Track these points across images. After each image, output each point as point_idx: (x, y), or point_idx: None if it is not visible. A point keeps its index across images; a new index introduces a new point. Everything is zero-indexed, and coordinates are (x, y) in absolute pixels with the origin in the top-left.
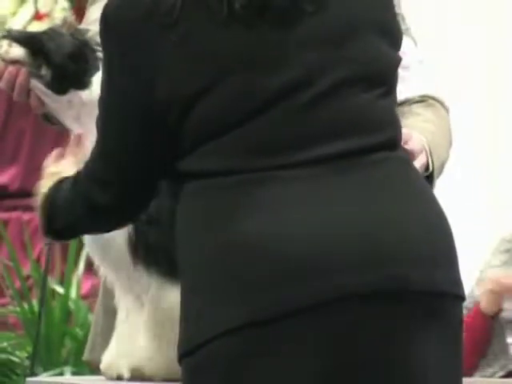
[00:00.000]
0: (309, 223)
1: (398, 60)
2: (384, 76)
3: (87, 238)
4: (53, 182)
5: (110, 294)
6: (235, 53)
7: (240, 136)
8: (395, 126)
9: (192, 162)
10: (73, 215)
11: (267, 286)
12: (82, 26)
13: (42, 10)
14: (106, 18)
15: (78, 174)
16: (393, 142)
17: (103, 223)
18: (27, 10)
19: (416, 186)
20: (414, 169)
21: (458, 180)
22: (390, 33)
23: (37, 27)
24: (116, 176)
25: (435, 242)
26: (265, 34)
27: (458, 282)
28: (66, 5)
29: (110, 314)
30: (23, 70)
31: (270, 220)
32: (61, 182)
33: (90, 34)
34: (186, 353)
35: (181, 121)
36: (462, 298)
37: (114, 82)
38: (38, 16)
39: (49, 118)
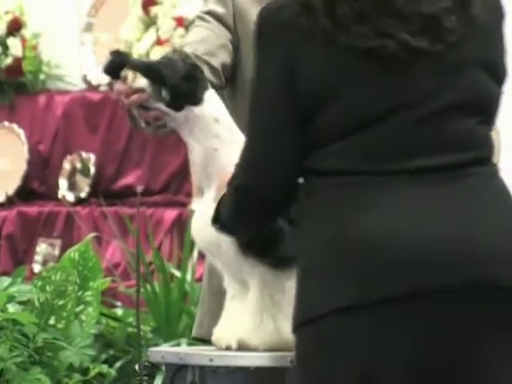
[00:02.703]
0: (412, 223)
1: (499, 93)
2: (485, 106)
3: (197, 236)
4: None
5: (214, 277)
6: (359, 70)
7: (357, 142)
8: (489, 147)
9: (314, 160)
10: (228, 209)
11: (373, 274)
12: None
13: (163, 36)
14: (260, 22)
15: None
16: (484, 159)
17: (249, 211)
18: (150, 37)
19: (500, 196)
20: (501, 181)
21: None
22: (495, 69)
23: (159, 51)
24: (256, 157)
25: None
26: (387, 60)
27: None
28: (183, 32)
29: (215, 294)
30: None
31: (380, 218)
32: None
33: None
34: (300, 324)
35: (309, 120)
36: None
37: (264, 73)
38: (159, 42)
39: (136, 124)
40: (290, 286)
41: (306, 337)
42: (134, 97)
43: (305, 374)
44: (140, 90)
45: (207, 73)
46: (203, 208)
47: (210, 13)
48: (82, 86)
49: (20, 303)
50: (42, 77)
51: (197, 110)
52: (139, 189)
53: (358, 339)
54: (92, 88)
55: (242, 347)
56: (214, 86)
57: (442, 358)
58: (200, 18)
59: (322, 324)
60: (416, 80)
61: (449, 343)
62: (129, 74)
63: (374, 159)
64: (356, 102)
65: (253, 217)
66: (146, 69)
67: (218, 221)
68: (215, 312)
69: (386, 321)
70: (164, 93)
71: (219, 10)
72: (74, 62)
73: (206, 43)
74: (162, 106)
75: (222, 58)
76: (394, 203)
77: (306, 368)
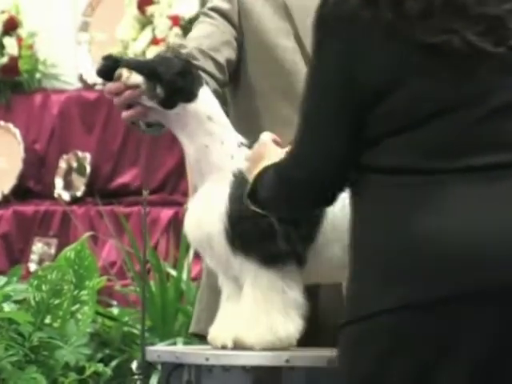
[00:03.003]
0: (470, 222)
1: None
2: None
3: (190, 234)
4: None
5: (213, 273)
6: (424, 63)
7: (419, 137)
8: None
9: (369, 156)
10: (271, 191)
11: (429, 273)
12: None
13: (159, 35)
14: (320, 15)
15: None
16: None
17: (296, 200)
18: (146, 36)
19: None
20: None
21: None
22: None
23: (155, 51)
24: (311, 152)
25: None
26: (454, 56)
27: None
28: (179, 31)
29: (214, 290)
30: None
31: (437, 216)
32: (270, 165)
33: (186, 50)
34: (350, 321)
35: (366, 115)
36: None
37: (320, 68)
38: (155, 41)
39: (136, 125)
40: (283, 283)
41: (353, 334)
42: (127, 93)
43: (351, 375)
44: (134, 87)
45: (212, 68)
46: (196, 205)
47: (214, 9)
48: (77, 85)
49: (16, 302)
50: (37, 76)
51: (190, 107)
52: (145, 193)
53: (414, 339)
54: (88, 87)
55: (238, 346)
56: (218, 82)
57: (505, 359)
58: (205, 14)
59: (374, 323)
60: (477, 78)
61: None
62: (123, 72)
63: (431, 156)
64: (416, 97)
65: (298, 207)
66: (141, 66)
67: (253, 197)
68: (213, 308)
69: (444, 320)
70: (159, 89)
71: (224, 6)
72: (70, 61)
73: (210, 38)
74: (155, 104)
75: (226, 54)
76: (452, 201)
77: (353, 368)
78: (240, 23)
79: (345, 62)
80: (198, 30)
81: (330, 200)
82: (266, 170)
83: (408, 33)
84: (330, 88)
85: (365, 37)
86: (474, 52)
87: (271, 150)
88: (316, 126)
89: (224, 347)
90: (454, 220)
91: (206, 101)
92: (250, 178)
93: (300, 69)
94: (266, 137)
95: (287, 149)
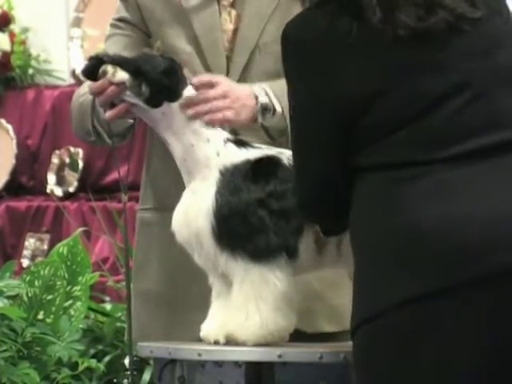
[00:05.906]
0: (471, 208)
1: None
2: None
3: (178, 232)
4: None
5: (141, 280)
6: (402, 64)
7: (410, 133)
8: None
9: (368, 156)
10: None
11: (436, 262)
12: None
13: None
14: (287, 37)
15: None
16: None
17: (314, 223)
18: None
19: None
20: None
21: None
22: None
23: None
24: (307, 173)
25: None
26: (428, 48)
27: None
28: None
29: (139, 297)
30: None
31: (437, 206)
32: None
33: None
34: (362, 321)
35: (358, 119)
36: None
37: (298, 87)
38: None
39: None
40: (273, 277)
41: (367, 334)
42: (110, 89)
43: (377, 370)
44: (119, 84)
45: None
46: (183, 203)
47: (121, 20)
48: (70, 80)
49: (8, 298)
50: (30, 71)
51: (175, 106)
52: (123, 190)
53: (438, 326)
54: (80, 83)
55: (230, 342)
56: None
57: None
58: (114, 26)
59: (386, 319)
60: (456, 65)
61: None
62: (108, 68)
63: (425, 148)
64: (400, 99)
65: (323, 226)
66: (126, 62)
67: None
68: (140, 317)
69: (466, 306)
70: (144, 88)
71: (128, 15)
72: (62, 57)
73: (127, 49)
74: (139, 102)
75: None
76: (453, 188)
77: (378, 364)
78: (147, 28)
79: (323, 83)
80: (113, 45)
81: (345, 208)
82: None
83: (376, 37)
84: (315, 112)
85: (339, 54)
86: (448, 35)
87: None
88: (307, 149)
89: (216, 343)
90: (458, 207)
91: None
92: None
93: (199, 72)
94: None
95: None
